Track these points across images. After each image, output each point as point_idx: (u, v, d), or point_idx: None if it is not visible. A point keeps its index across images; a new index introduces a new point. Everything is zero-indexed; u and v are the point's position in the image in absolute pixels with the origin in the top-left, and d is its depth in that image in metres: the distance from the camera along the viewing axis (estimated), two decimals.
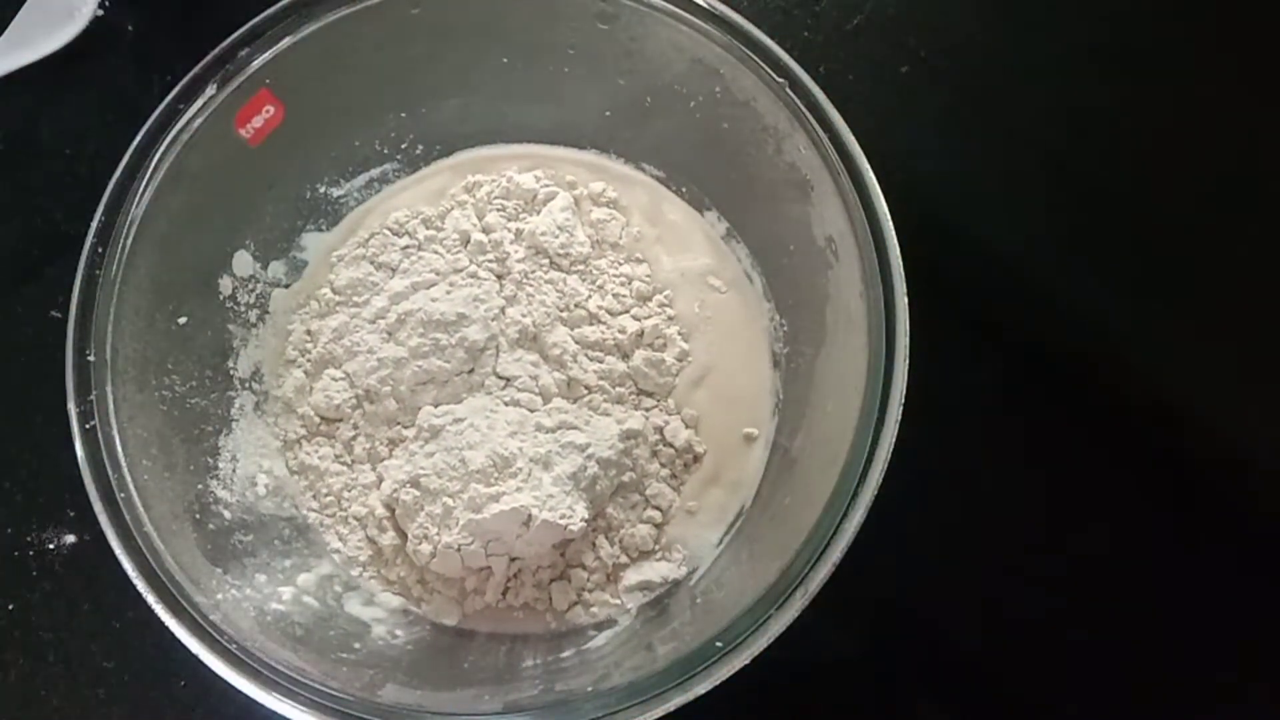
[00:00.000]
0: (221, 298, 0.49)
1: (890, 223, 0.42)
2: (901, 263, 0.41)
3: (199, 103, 0.45)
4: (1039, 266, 0.54)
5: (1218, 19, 0.58)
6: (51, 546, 0.50)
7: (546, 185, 0.52)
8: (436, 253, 0.50)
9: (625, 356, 0.49)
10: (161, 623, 0.39)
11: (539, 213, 0.51)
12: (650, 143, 0.52)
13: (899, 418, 0.40)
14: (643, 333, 0.49)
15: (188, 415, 0.46)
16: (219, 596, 0.41)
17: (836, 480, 0.40)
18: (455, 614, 0.46)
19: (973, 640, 0.50)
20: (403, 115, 0.51)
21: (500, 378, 0.48)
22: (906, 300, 0.41)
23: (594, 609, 0.46)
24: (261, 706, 0.38)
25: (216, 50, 0.45)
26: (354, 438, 0.48)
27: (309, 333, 0.50)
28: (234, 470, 0.47)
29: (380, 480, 0.47)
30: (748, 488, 0.48)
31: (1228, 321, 0.54)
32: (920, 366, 0.40)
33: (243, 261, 0.49)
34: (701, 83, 0.47)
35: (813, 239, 0.46)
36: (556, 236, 0.50)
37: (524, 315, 0.48)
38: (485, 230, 0.51)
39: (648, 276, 0.51)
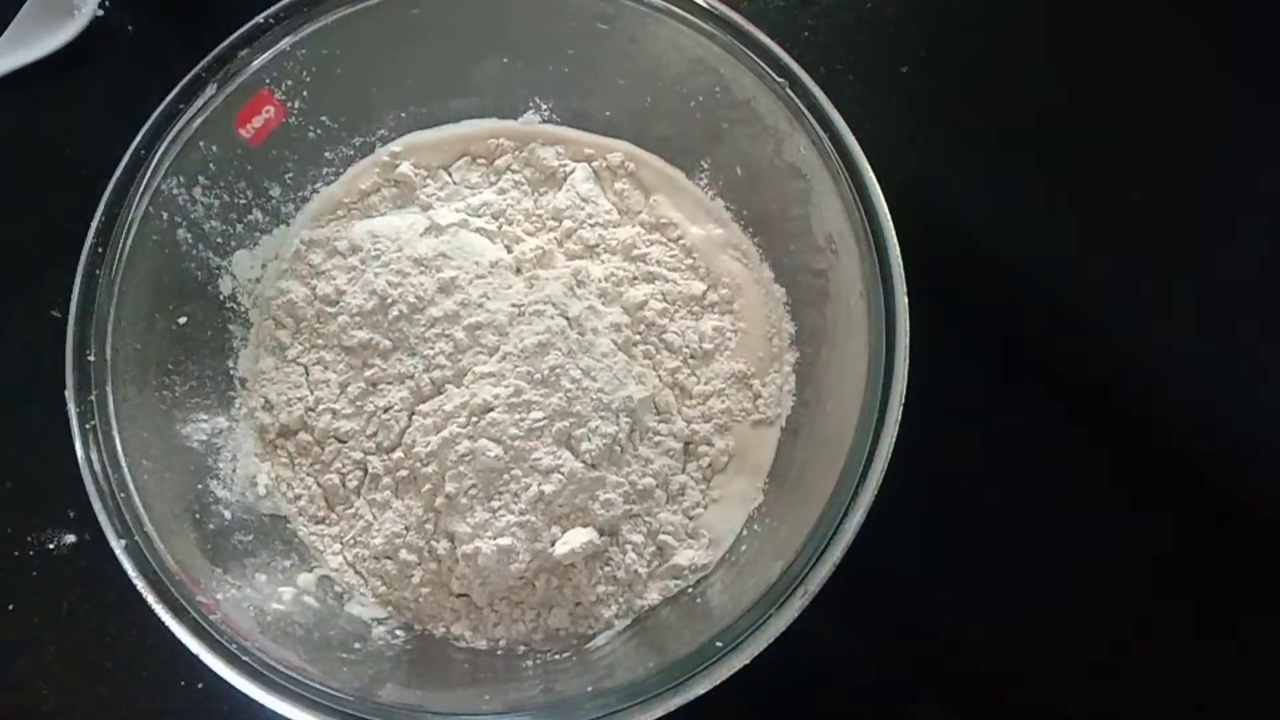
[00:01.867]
0: (221, 298, 0.49)
1: (890, 223, 0.42)
2: (901, 263, 0.41)
3: (199, 103, 0.45)
4: (1039, 266, 0.54)
5: (1219, 19, 0.58)
6: (51, 546, 0.50)
7: (565, 163, 0.52)
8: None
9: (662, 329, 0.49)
10: (161, 623, 0.39)
11: (559, 189, 0.51)
12: (650, 142, 0.52)
13: (899, 418, 0.40)
14: (703, 295, 0.49)
15: (188, 415, 0.46)
16: (219, 596, 0.41)
17: (836, 480, 0.40)
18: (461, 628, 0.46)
19: (973, 641, 0.50)
20: (403, 115, 0.51)
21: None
22: (906, 300, 0.41)
23: (607, 614, 0.45)
24: (262, 706, 0.38)
25: (216, 50, 0.45)
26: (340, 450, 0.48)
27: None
28: (234, 470, 0.47)
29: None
30: (765, 473, 0.48)
31: (1229, 321, 0.54)
32: (920, 366, 0.40)
33: (243, 261, 0.49)
34: (701, 83, 0.47)
35: (813, 239, 0.46)
36: (582, 208, 0.50)
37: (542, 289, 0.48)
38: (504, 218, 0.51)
39: (679, 242, 0.51)
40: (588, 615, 0.45)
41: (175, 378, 0.46)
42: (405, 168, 0.51)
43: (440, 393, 0.46)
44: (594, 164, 0.52)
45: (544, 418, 0.44)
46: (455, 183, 0.52)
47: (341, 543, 0.47)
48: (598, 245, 0.50)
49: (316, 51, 0.47)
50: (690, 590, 0.46)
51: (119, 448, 0.41)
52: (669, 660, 0.39)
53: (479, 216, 0.50)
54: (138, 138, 0.44)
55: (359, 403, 0.47)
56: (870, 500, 0.39)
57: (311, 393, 0.48)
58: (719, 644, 0.38)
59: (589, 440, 0.44)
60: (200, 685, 0.48)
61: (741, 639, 0.38)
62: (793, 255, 0.49)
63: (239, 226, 0.49)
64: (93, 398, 0.42)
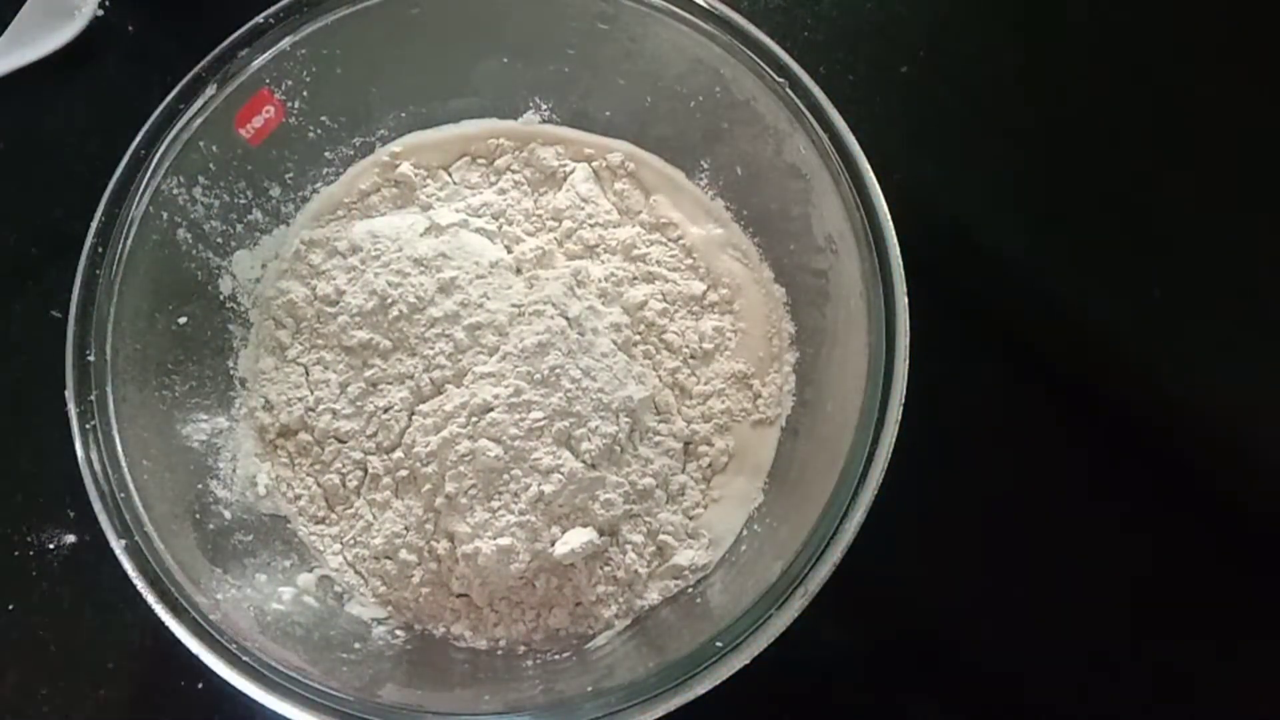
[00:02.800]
0: (221, 298, 0.49)
1: (890, 223, 0.42)
2: (901, 263, 0.41)
3: (199, 103, 0.45)
4: (1039, 266, 0.54)
5: (1219, 20, 0.58)
6: (51, 546, 0.50)
7: (565, 163, 0.52)
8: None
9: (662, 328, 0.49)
10: (161, 623, 0.39)
11: (559, 189, 0.51)
12: (650, 142, 0.52)
13: (899, 418, 0.40)
14: (703, 295, 0.49)
15: (188, 415, 0.46)
16: (219, 596, 0.41)
17: (836, 480, 0.40)
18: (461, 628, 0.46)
19: (972, 640, 0.50)
20: (403, 115, 0.51)
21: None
22: (906, 300, 0.41)
23: (607, 614, 0.45)
24: (262, 706, 0.38)
25: (216, 50, 0.45)
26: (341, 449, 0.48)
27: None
28: (234, 470, 0.47)
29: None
30: (765, 473, 0.48)
31: (1228, 320, 0.54)
32: (920, 366, 0.40)
33: (243, 261, 0.49)
34: (701, 83, 0.47)
35: (813, 239, 0.46)
36: (582, 208, 0.50)
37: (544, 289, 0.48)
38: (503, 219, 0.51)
39: (679, 242, 0.51)
40: (588, 615, 0.45)
41: (175, 378, 0.46)
42: (405, 168, 0.51)
43: (440, 393, 0.46)
44: (594, 164, 0.52)
45: (544, 418, 0.44)
46: (455, 183, 0.52)
47: (341, 543, 0.47)
48: (598, 245, 0.50)
49: (316, 51, 0.47)
50: (690, 590, 0.46)
51: (119, 448, 0.41)
52: (669, 660, 0.39)
53: (479, 216, 0.50)
54: (138, 138, 0.44)
55: (359, 403, 0.47)
56: (870, 500, 0.39)
57: (311, 393, 0.48)
58: (719, 644, 0.38)
59: (589, 440, 0.44)
60: (200, 685, 0.48)
61: (741, 639, 0.38)
62: (793, 255, 0.49)
63: (239, 226, 0.49)
64: (93, 398, 0.42)
